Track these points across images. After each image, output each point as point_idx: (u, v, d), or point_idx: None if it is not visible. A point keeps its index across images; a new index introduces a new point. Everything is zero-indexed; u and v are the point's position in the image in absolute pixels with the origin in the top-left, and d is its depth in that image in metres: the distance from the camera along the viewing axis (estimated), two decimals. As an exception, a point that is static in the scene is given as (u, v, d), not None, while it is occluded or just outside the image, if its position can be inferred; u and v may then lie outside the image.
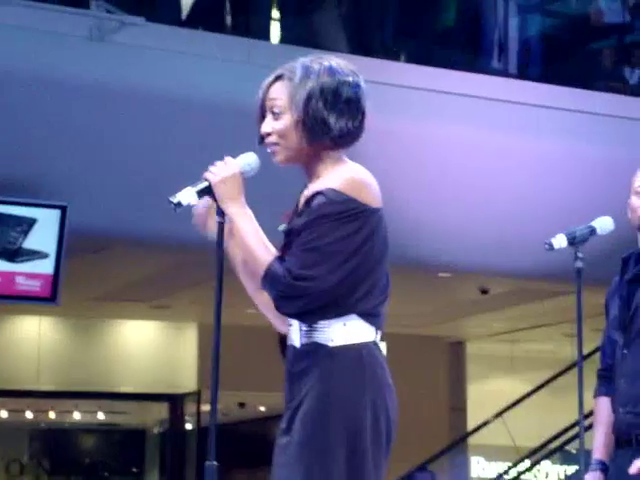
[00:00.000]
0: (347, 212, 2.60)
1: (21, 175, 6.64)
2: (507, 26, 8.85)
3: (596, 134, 8.43)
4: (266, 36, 7.88)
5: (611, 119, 8.49)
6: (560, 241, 3.33)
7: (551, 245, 3.32)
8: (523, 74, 8.82)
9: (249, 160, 2.71)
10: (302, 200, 2.71)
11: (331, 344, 2.62)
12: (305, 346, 2.65)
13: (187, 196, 2.61)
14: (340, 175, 2.66)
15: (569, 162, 8.37)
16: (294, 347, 2.68)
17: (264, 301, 2.74)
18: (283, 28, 8.13)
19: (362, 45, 8.32)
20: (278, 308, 2.63)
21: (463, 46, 8.94)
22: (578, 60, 9.34)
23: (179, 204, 2.60)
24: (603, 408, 3.38)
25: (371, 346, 2.65)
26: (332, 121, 2.68)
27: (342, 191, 2.62)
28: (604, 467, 3.34)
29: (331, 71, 2.72)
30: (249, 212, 2.68)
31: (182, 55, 7.14)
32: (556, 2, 9.65)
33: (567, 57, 9.28)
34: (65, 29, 6.82)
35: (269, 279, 2.61)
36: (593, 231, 3.42)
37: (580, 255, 3.35)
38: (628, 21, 9.63)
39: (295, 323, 2.67)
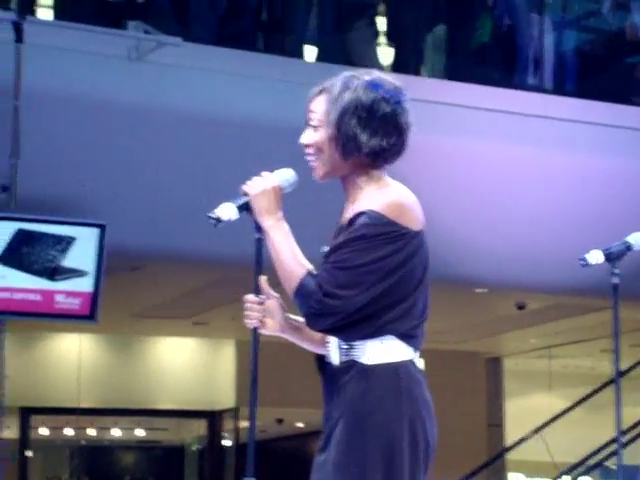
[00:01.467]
0: (386, 235, 2.60)
1: (60, 194, 6.71)
2: (542, 42, 8.85)
3: (632, 149, 8.41)
4: (301, 54, 7.93)
5: (647, 134, 8.46)
6: (596, 257, 3.34)
7: (586, 261, 3.33)
8: (559, 89, 8.82)
9: (287, 176, 2.72)
10: (343, 221, 2.70)
11: (368, 362, 2.63)
12: (343, 364, 2.66)
13: (227, 211, 2.62)
14: (382, 197, 2.65)
15: (605, 177, 8.35)
16: (332, 365, 2.70)
17: (317, 345, 2.79)
18: (318, 46, 8.18)
19: (397, 62, 8.35)
20: (308, 323, 2.64)
21: (499, 62, 8.95)
22: (614, 75, 9.32)
23: (219, 219, 2.62)
24: None
25: (408, 364, 2.66)
26: (364, 138, 2.67)
27: (383, 214, 2.62)
28: None
29: (369, 86, 2.70)
30: (286, 226, 2.67)
31: (218, 74, 7.20)
32: (591, 17, 9.65)
33: (603, 72, 9.27)
34: (104, 50, 6.89)
35: (301, 294, 2.61)
36: (629, 247, 3.42)
37: (616, 271, 3.35)
38: (664, 35, 9.60)
39: (334, 341, 2.68)
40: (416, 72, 8.20)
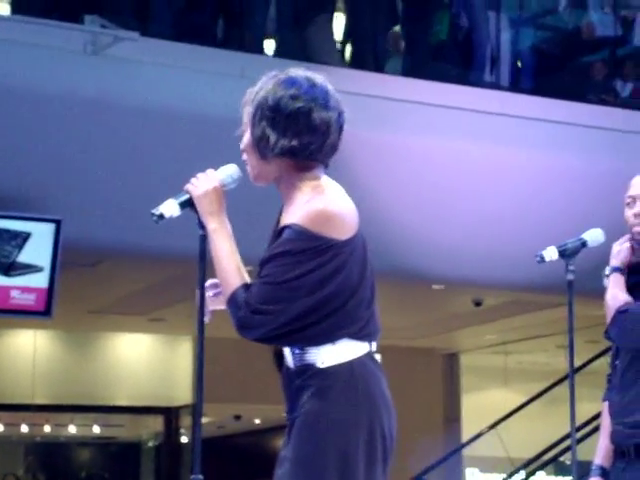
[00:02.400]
0: (311, 250, 2.59)
1: (15, 189, 6.66)
2: (499, 39, 8.89)
3: (588, 147, 8.48)
4: (260, 50, 7.92)
5: (603, 132, 8.53)
6: (551, 254, 3.36)
7: (542, 257, 3.35)
8: (515, 87, 8.87)
9: (231, 172, 2.70)
10: (279, 225, 2.70)
11: (322, 365, 2.64)
12: (297, 367, 2.67)
13: (169, 208, 2.61)
14: (309, 209, 2.62)
15: (561, 174, 8.41)
16: (289, 368, 2.71)
17: None
18: (277, 42, 8.18)
19: (355, 58, 8.37)
20: (238, 333, 2.65)
21: (456, 59, 8.98)
22: (570, 73, 9.39)
23: (161, 216, 2.60)
24: (608, 413, 3.39)
25: (363, 359, 2.67)
26: (273, 139, 2.64)
27: (307, 227, 2.60)
28: (603, 472, 3.36)
29: (281, 84, 2.66)
30: (228, 229, 2.66)
31: (176, 69, 7.17)
32: (548, 15, 9.71)
33: (559, 70, 9.33)
34: (60, 43, 6.84)
35: (232, 304, 2.63)
36: (584, 243, 3.44)
37: (571, 267, 3.37)
38: (619, 34, 9.69)
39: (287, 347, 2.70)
40: (375, 69, 8.21)
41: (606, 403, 3.42)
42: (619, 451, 3.31)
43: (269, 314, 2.57)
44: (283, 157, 2.66)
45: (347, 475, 2.58)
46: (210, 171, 2.71)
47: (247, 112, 2.70)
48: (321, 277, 2.59)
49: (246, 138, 2.71)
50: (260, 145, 2.66)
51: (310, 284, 2.58)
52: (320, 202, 2.64)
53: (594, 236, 3.47)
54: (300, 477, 2.57)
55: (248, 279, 2.65)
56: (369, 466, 2.62)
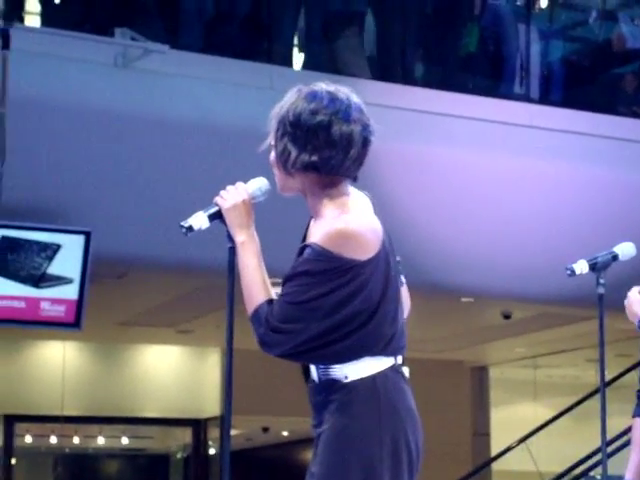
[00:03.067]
0: (330, 270, 2.57)
1: (46, 201, 6.69)
2: (529, 51, 8.87)
3: (619, 159, 8.43)
4: (289, 62, 7.94)
5: (634, 144, 8.48)
6: (582, 267, 3.34)
7: (573, 271, 3.33)
8: (545, 99, 8.84)
9: (260, 185, 2.71)
10: (306, 238, 2.70)
11: (345, 380, 2.64)
12: (322, 382, 2.67)
13: (198, 220, 2.62)
14: (329, 228, 2.60)
15: (591, 187, 8.36)
16: (313, 380, 2.71)
17: None
18: (306, 54, 8.19)
19: (384, 71, 8.36)
20: (261, 348, 2.66)
21: (485, 71, 8.97)
22: (600, 85, 9.35)
23: (190, 228, 2.61)
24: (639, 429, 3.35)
25: (387, 373, 2.66)
26: (294, 154, 2.63)
27: (327, 248, 2.58)
28: None
29: (304, 99, 2.65)
30: (256, 242, 2.66)
31: (206, 82, 7.19)
32: (578, 27, 9.67)
33: (589, 82, 9.29)
34: (90, 56, 6.87)
35: (254, 320, 2.63)
36: (615, 257, 3.42)
37: (602, 281, 3.35)
38: (651, 46, 9.64)
39: None
40: (403, 81, 8.20)
41: (638, 419, 3.38)
42: None
43: (288, 333, 2.57)
44: (306, 172, 2.66)
45: None
46: (239, 184, 2.71)
47: (273, 126, 2.71)
48: (341, 298, 2.58)
49: (273, 152, 2.71)
50: (282, 160, 2.66)
51: (329, 305, 2.57)
52: (341, 222, 2.61)
53: (625, 250, 3.45)
54: None
55: (273, 295, 2.64)
56: (394, 478, 2.61)
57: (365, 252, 2.61)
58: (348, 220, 2.62)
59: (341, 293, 2.58)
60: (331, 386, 2.64)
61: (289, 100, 2.68)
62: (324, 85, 2.71)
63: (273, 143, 2.70)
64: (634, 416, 3.42)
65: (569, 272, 3.33)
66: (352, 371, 2.63)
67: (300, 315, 2.57)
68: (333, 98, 2.66)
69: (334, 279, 2.57)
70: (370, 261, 2.62)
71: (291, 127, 2.63)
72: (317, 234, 2.62)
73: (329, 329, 2.58)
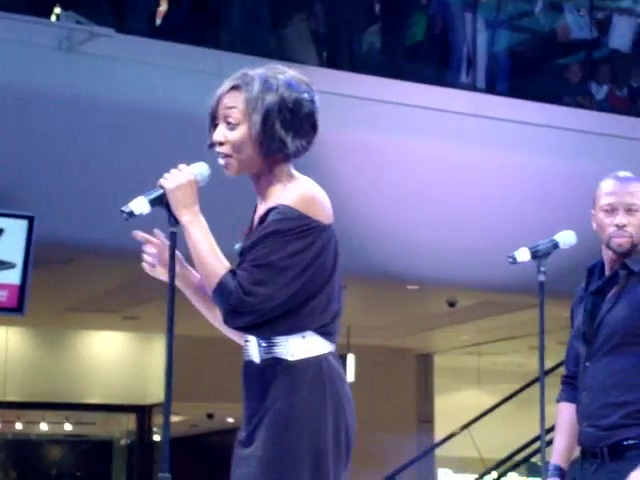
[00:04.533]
0: (299, 228, 2.59)
1: (-11, 185, 6.63)
2: (476, 41, 8.92)
3: (562, 149, 8.51)
4: (237, 48, 7.91)
5: (577, 134, 8.57)
6: (523, 255, 3.36)
7: (514, 259, 3.36)
8: (491, 89, 8.89)
9: (201, 169, 2.69)
10: (256, 218, 2.70)
11: (291, 358, 2.63)
12: (265, 361, 2.66)
13: (139, 205, 2.58)
14: (293, 192, 2.63)
15: (536, 176, 8.44)
16: (252, 362, 2.69)
17: (218, 318, 2.74)
18: (254, 40, 8.17)
19: (331, 58, 8.37)
20: (226, 322, 2.62)
21: (432, 60, 9.00)
22: (545, 75, 9.43)
23: (131, 213, 2.57)
24: (564, 413, 3.42)
25: (330, 358, 2.67)
26: (289, 140, 2.66)
27: (295, 208, 2.60)
28: (561, 473, 3.37)
29: (289, 86, 2.68)
30: (203, 221, 2.65)
31: (152, 66, 7.15)
32: (524, 18, 9.74)
33: (535, 72, 9.37)
34: (35, 39, 6.81)
35: (220, 292, 2.59)
36: (556, 245, 3.45)
37: (543, 269, 3.38)
38: (595, 37, 9.73)
39: (253, 339, 2.68)
40: (351, 69, 8.21)
41: (562, 404, 3.43)
42: (590, 453, 3.32)
43: (261, 296, 2.55)
44: (285, 156, 2.68)
45: (320, 470, 2.58)
46: (182, 166, 2.69)
47: (240, 108, 2.67)
48: (307, 259, 2.59)
49: (240, 133, 2.67)
50: (272, 145, 2.66)
51: (298, 265, 2.58)
52: (304, 187, 2.66)
53: (566, 238, 3.48)
54: (272, 474, 2.56)
55: (231, 267, 2.63)
56: (337, 464, 2.63)
57: (326, 217, 2.65)
58: (309, 186, 2.67)
59: (308, 254, 2.59)
60: (274, 367, 2.63)
61: (267, 85, 2.67)
62: (289, 71, 2.74)
63: (244, 124, 2.68)
64: (558, 401, 3.47)
65: (511, 260, 3.36)
66: (297, 349, 2.63)
67: (271, 277, 2.56)
68: (308, 85, 2.73)
69: (301, 238, 2.59)
70: (329, 227, 2.66)
71: (289, 113, 2.66)
72: (279, 199, 2.62)
73: (295, 293, 2.58)
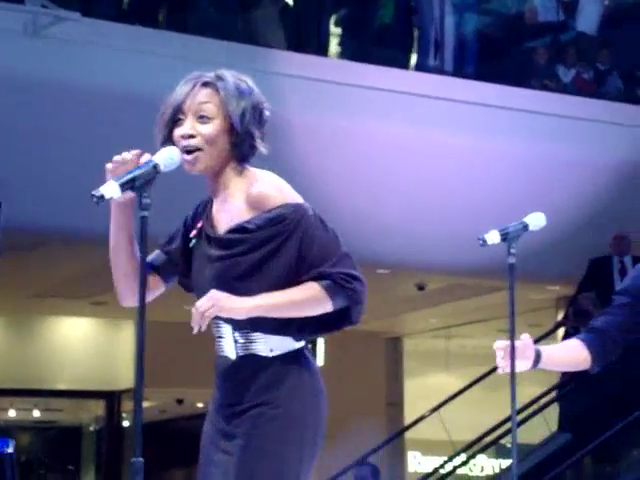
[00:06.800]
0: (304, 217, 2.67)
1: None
2: (443, 24, 8.91)
3: (529, 131, 8.54)
4: (203, 32, 7.87)
5: (545, 117, 8.60)
6: (493, 237, 3.35)
7: (484, 241, 3.35)
8: (459, 72, 8.90)
9: (171, 154, 2.65)
10: (236, 204, 2.67)
11: (271, 354, 2.64)
12: (241, 358, 2.65)
13: (110, 189, 2.56)
14: (267, 187, 2.65)
15: (504, 159, 8.46)
16: (227, 358, 2.68)
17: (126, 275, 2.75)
18: (220, 24, 8.13)
19: (299, 42, 8.34)
20: (358, 319, 2.70)
21: (400, 43, 8.99)
22: (513, 58, 9.44)
23: (102, 197, 2.54)
24: (573, 343, 3.27)
25: (306, 352, 2.69)
26: (258, 140, 2.70)
27: (294, 202, 2.65)
28: (538, 353, 3.26)
29: (256, 91, 2.74)
30: (257, 297, 2.58)
31: (118, 50, 7.11)
32: (492, 1, 9.75)
33: (502, 55, 9.38)
34: (0, 24, 6.74)
35: (339, 298, 2.62)
36: (526, 227, 3.45)
37: (513, 251, 3.38)
38: (562, 20, 9.76)
39: (228, 335, 2.66)
40: (319, 52, 8.19)
41: (579, 342, 3.28)
42: None
43: (361, 280, 2.69)
44: (244, 153, 2.71)
45: (308, 456, 2.62)
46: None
47: (214, 103, 2.67)
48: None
49: (214, 127, 2.67)
50: (245, 142, 2.68)
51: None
52: (270, 180, 2.68)
53: (536, 220, 3.48)
54: (263, 471, 2.56)
55: (308, 283, 2.62)
56: (311, 460, 2.65)
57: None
58: (273, 176, 2.71)
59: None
60: (253, 363, 2.63)
61: (240, 85, 2.70)
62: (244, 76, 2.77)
63: (226, 123, 2.67)
64: (573, 338, 3.35)
65: (481, 242, 3.35)
66: (277, 345, 2.64)
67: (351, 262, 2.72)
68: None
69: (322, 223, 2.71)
70: None
71: (259, 114, 2.71)
72: (264, 201, 2.63)
73: None
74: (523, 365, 3.11)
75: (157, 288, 2.79)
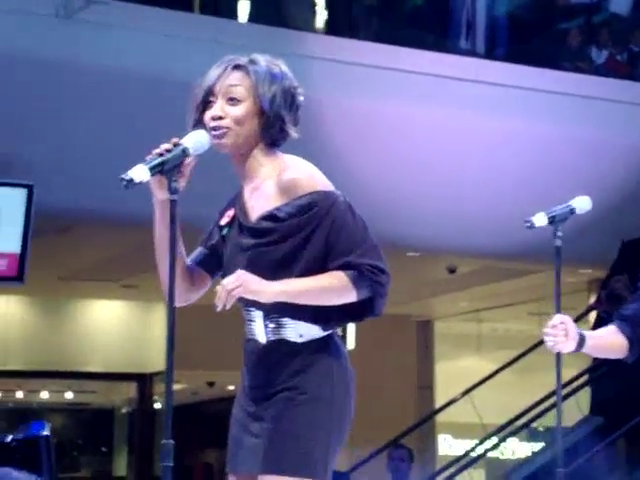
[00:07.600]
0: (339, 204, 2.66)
1: (-13, 154, 6.60)
2: (475, 6, 8.86)
3: (563, 114, 8.48)
4: (234, 15, 7.86)
5: (578, 99, 8.53)
6: (540, 220, 3.34)
7: (532, 223, 3.32)
8: (490, 54, 8.85)
9: (200, 137, 2.66)
10: (266, 191, 2.67)
11: (300, 340, 2.65)
12: (272, 342, 2.66)
13: (139, 173, 2.55)
14: (301, 177, 2.65)
15: (536, 142, 8.41)
16: (257, 342, 2.69)
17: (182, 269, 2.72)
18: (252, 7, 8.12)
19: (331, 25, 8.32)
20: (381, 311, 2.67)
21: (431, 26, 8.95)
22: (545, 40, 9.38)
23: (131, 181, 2.54)
24: (612, 329, 3.25)
25: (335, 337, 2.70)
26: (288, 124, 2.70)
27: (325, 189, 2.64)
28: (581, 335, 3.24)
29: (289, 76, 2.73)
30: (285, 281, 2.60)
31: (148, 33, 7.11)
32: (524, -18, 9.68)
33: (535, 37, 9.32)
34: (31, 7, 6.77)
35: (362, 288, 2.61)
36: (572, 210, 3.43)
37: (559, 234, 3.36)
38: (595, 1, 9.67)
39: (258, 320, 2.68)
40: (350, 35, 8.17)
41: (616, 329, 3.25)
42: None
43: (387, 271, 2.65)
44: (275, 137, 2.71)
45: (334, 451, 2.63)
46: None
47: (245, 86, 2.68)
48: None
49: (244, 109, 2.68)
50: (275, 125, 2.69)
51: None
52: (301, 166, 2.68)
53: (582, 203, 3.46)
54: (291, 454, 2.57)
55: (336, 271, 2.61)
56: (343, 440, 2.67)
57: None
58: (304, 163, 2.69)
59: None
60: (283, 348, 2.64)
61: (273, 69, 2.70)
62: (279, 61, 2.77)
63: (247, 100, 2.68)
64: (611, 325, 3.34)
65: (528, 225, 3.33)
66: (306, 330, 2.65)
67: (375, 248, 2.67)
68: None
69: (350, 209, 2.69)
70: None
71: (291, 98, 2.71)
72: (297, 189, 2.62)
73: None
74: (569, 346, 3.07)
75: (204, 284, 2.80)
